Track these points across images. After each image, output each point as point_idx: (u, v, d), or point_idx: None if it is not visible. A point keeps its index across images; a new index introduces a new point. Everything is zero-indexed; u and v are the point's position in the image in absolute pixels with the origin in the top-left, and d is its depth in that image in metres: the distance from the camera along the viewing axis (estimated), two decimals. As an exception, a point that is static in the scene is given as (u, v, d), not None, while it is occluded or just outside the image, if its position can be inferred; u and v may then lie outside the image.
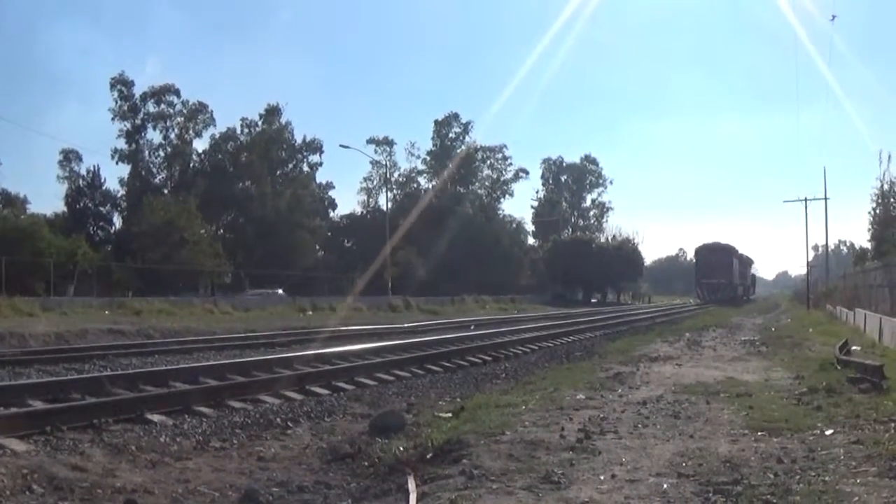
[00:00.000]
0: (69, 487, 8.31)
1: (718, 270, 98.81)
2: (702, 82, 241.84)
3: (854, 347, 21.85)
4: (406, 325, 39.33)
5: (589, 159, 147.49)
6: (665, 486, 7.28)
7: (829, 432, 9.60)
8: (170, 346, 24.55)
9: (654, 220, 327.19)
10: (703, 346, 24.94)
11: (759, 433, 9.66)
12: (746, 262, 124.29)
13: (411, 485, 7.90)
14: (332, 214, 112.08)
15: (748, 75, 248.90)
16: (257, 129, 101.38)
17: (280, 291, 70.49)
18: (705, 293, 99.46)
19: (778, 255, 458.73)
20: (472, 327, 38.03)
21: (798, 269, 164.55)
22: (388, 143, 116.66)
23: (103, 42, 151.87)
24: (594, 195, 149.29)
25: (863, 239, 58.83)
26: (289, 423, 12.63)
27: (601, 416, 11.03)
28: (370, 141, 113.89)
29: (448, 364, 21.20)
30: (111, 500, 7.93)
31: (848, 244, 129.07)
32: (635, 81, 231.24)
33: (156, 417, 12.10)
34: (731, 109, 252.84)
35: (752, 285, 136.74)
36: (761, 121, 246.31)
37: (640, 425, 10.37)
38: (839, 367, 16.52)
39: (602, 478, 7.63)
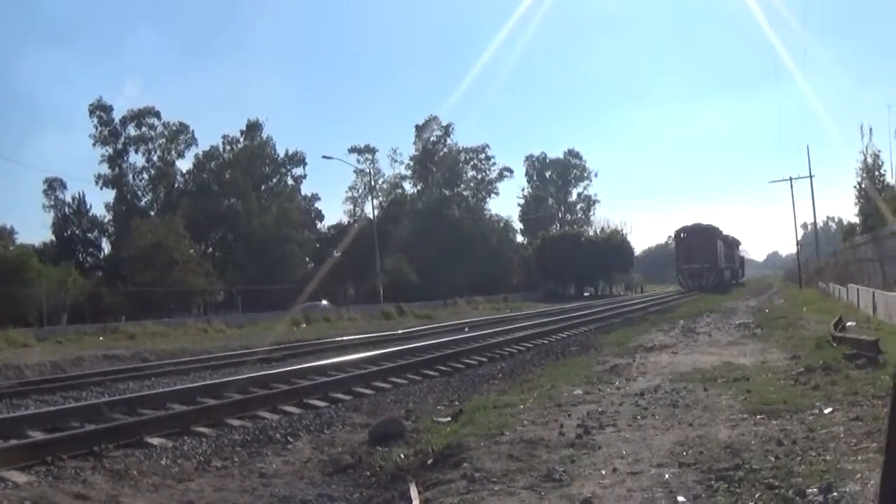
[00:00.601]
0: (72, 517, 8.31)
1: (701, 254, 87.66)
2: (680, 69, 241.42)
3: (849, 324, 21.90)
4: (400, 331, 39.25)
5: (572, 153, 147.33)
6: (667, 476, 7.30)
7: (827, 411, 9.62)
8: (166, 367, 24.46)
9: (642, 210, 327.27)
10: (698, 332, 24.96)
11: (759, 416, 9.68)
12: (732, 244, 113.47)
13: (413, 492, 7.91)
14: (319, 226, 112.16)
15: (726, 59, 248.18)
16: (239, 145, 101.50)
17: (325, 303, 71.53)
18: (688, 280, 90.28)
19: (767, 236, 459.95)
20: (466, 329, 37.95)
21: (788, 248, 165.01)
22: (371, 150, 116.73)
23: (78, 67, 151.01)
24: (580, 189, 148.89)
25: (850, 214, 58.98)
26: (289, 438, 12.63)
27: (599, 410, 11.03)
28: (352, 150, 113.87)
29: (444, 368, 21.21)
30: (115, 527, 7.92)
31: (836, 220, 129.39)
32: (615, 72, 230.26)
33: (156, 440, 12.10)
34: (712, 94, 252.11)
35: (740, 268, 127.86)
36: (743, 103, 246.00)
37: (638, 417, 10.38)
38: (835, 345, 16.57)
39: (603, 472, 7.65)
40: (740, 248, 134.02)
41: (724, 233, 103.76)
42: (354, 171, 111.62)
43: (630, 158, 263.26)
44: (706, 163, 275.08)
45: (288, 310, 54.57)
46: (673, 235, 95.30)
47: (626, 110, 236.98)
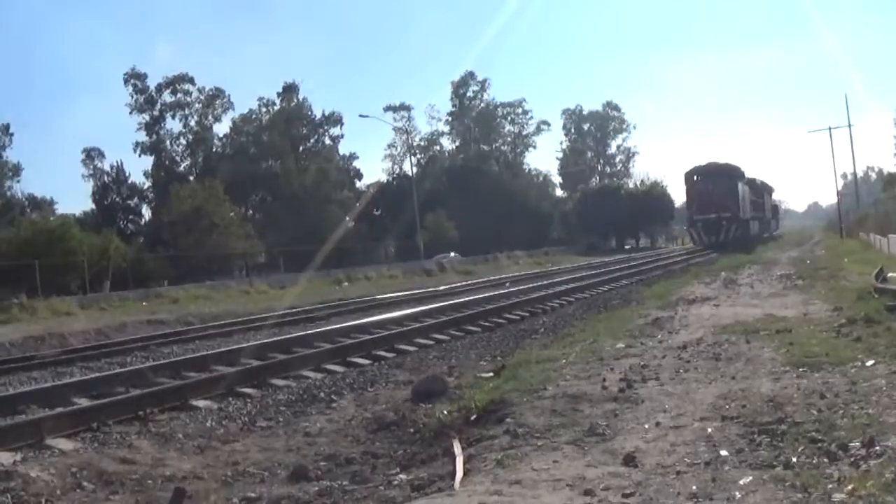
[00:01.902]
0: (119, 481, 8.36)
1: (718, 201, 66.72)
2: (720, 16, 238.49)
3: (890, 274, 21.62)
4: (441, 287, 39.30)
5: (611, 105, 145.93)
6: (710, 430, 7.24)
7: (869, 363, 9.50)
8: (209, 330, 24.59)
9: (682, 162, 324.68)
10: (740, 284, 24.74)
11: (801, 369, 9.57)
12: (761, 190, 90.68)
13: (457, 448, 7.89)
14: (358, 185, 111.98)
15: (768, 4, 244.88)
16: (275, 107, 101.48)
17: (453, 255, 74.05)
18: (701, 235, 69.47)
19: (808, 186, 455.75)
20: (507, 284, 37.93)
21: (829, 199, 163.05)
22: (406, 108, 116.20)
23: (111, 34, 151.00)
24: (619, 141, 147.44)
25: (891, 164, 58.25)
26: (332, 397, 12.68)
27: (642, 363, 10.96)
28: (388, 108, 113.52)
29: (486, 323, 21.21)
30: (161, 490, 7.95)
31: (877, 170, 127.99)
32: (653, 21, 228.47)
33: (201, 403, 12.19)
34: (753, 41, 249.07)
35: (773, 219, 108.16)
36: (783, 52, 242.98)
37: (681, 370, 10.31)
38: (876, 296, 16.36)
39: (646, 426, 7.60)
40: (774, 195, 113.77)
41: (753, 177, 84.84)
42: (393, 129, 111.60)
43: (669, 109, 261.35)
44: (746, 113, 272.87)
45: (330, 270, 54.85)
46: (684, 179, 73.00)
47: (665, 60, 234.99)
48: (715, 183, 68.04)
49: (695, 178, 71.29)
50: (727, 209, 66.98)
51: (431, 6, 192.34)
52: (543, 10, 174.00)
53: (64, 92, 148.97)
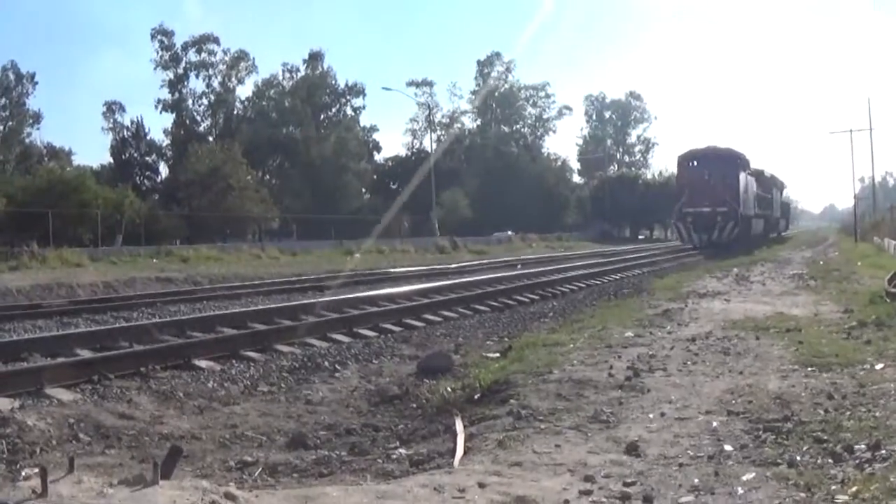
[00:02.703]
0: (116, 435, 8.33)
1: (714, 191, 54.14)
2: (748, 11, 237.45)
3: (904, 279, 21.47)
4: (453, 265, 39.27)
5: (633, 95, 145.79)
6: (715, 423, 7.16)
7: (879, 366, 9.39)
8: (217, 292, 24.64)
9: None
10: (752, 280, 24.59)
11: (809, 368, 9.48)
12: (770, 184, 76.01)
13: (459, 426, 7.81)
14: (376, 157, 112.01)
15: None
16: (299, 74, 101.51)
17: (510, 233, 76.08)
18: (690, 231, 55.69)
19: (825, 187, 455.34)
20: (519, 266, 37.85)
21: (845, 201, 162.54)
22: (428, 84, 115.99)
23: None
24: (639, 131, 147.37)
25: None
26: (337, 366, 12.61)
27: (650, 353, 10.87)
28: (410, 83, 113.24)
29: (495, 304, 21.10)
30: (158, 447, 7.89)
31: (895, 175, 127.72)
32: (679, 9, 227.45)
33: (203, 363, 12.13)
34: (776, 40, 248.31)
35: (783, 218, 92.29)
36: (806, 50, 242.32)
37: (689, 362, 10.21)
38: (888, 300, 16.23)
39: (651, 416, 7.52)
40: (787, 193, 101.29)
41: (760, 168, 71.06)
42: (417, 104, 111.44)
43: (691, 103, 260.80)
44: (768, 112, 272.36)
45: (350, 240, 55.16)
46: (677, 164, 58.93)
47: (690, 56, 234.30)
48: (712, 170, 55.03)
49: (689, 163, 57.91)
50: (724, 202, 53.81)
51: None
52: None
53: (89, 43, 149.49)
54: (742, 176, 56.68)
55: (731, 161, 56.47)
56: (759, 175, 67.24)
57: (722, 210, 53.24)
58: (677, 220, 57.01)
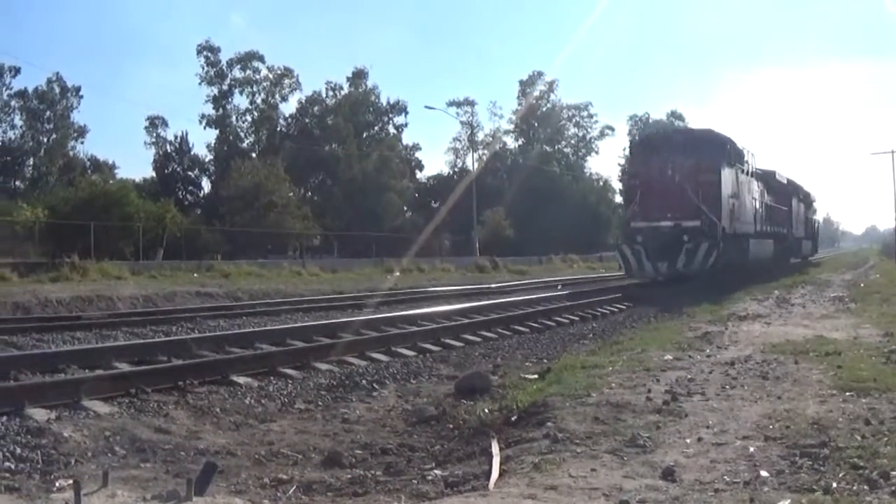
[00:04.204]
0: (151, 449, 8.34)
1: (678, 195, 33.71)
2: (789, 31, 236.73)
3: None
4: (494, 285, 39.16)
5: (675, 115, 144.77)
6: (752, 449, 7.06)
7: (917, 392, 9.28)
8: (257, 308, 24.69)
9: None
10: (793, 303, 24.38)
11: (848, 393, 9.34)
12: (789, 193, 55.18)
13: (495, 448, 7.76)
14: (418, 175, 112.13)
15: (835, 23, 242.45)
16: (343, 92, 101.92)
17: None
18: (641, 257, 34.81)
19: (868, 208, 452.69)
20: (559, 287, 37.57)
21: (887, 222, 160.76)
22: (470, 103, 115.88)
23: (185, 3, 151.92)
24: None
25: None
26: (374, 385, 12.61)
27: (688, 377, 10.76)
28: (451, 103, 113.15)
29: (535, 325, 21.00)
30: (193, 462, 7.91)
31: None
32: (723, 34, 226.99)
33: (241, 379, 12.12)
34: (818, 59, 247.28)
35: (808, 238, 68.29)
36: (848, 72, 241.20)
37: (727, 387, 10.09)
38: (929, 324, 16.06)
39: (688, 441, 7.43)
40: (813, 206, 74.81)
41: (772, 169, 51.01)
42: (461, 122, 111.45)
43: (732, 122, 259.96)
44: (809, 132, 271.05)
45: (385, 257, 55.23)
46: (627, 155, 38.37)
47: (732, 73, 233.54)
48: (677, 162, 34.66)
49: (646, 153, 38.04)
50: (695, 213, 33.83)
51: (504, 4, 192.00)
52: (619, 16, 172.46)
53: (134, 57, 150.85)
54: (728, 173, 35.98)
55: (710, 149, 35.50)
56: (767, 177, 47.78)
57: (691, 225, 33.84)
58: (624, 240, 36.91)
